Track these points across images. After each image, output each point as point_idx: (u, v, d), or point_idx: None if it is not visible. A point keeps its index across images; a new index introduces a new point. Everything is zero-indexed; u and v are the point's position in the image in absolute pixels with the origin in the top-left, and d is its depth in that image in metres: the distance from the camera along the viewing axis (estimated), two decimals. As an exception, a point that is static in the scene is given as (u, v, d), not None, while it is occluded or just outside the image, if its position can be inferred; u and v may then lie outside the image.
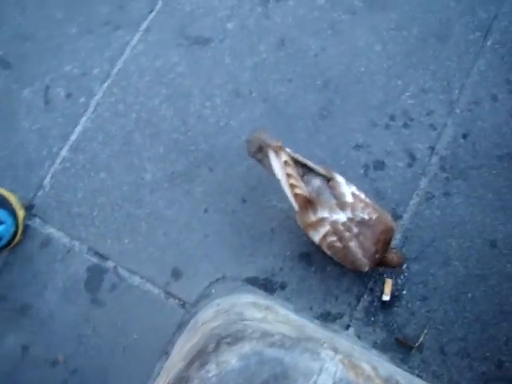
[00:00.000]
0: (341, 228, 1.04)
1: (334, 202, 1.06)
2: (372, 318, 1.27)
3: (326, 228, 1.05)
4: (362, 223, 1.05)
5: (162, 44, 1.45)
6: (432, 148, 1.38)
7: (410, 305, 1.27)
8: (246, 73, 1.34)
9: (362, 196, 1.10)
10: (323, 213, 1.05)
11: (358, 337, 1.26)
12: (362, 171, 1.35)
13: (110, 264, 1.26)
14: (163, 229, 1.30)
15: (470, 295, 1.29)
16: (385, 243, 1.07)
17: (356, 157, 1.38)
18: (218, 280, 1.29)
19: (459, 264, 1.32)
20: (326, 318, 1.28)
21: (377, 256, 1.06)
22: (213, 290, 1.28)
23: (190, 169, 1.35)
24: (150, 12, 1.48)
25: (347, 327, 1.27)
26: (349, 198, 1.06)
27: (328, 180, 1.07)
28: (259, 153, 1.11)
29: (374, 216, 1.06)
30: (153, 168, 1.27)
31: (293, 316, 1.09)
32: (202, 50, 1.46)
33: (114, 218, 1.25)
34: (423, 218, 1.34)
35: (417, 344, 1.24)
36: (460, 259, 1.31)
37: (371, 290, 1.29)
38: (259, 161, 1.11)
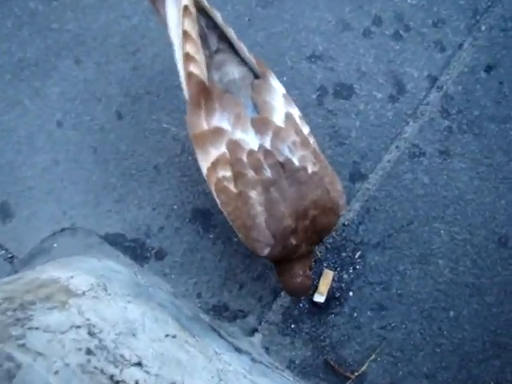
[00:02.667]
0: (244, 159, 0.86)
1: (249, 112, 0.88)
2: (293, 325, 1.15)
3: (221, 149, 0.87)
4: (284, 169, 0.87)
5: None
6: (434, 78, 1.25)
7: (356, 314, 1.16)
8: None
9: (305, 130, 0.92)
10: (222, 120, 0.87)
11: (267, 349, 1.16)
12: (314, 96, 1.20)
13: None
14: (-6, 142, 1.19)
15: (452, 313, 1.18)
16: (315, 226, 0.90)
17: (309, 72, 1.24)
18: (64, 230, 1.19)
19: (445, 264, 1.20)
20: (220, 313, 1.17)
21: (291, 241, 0.89)
22: (55, 245, 1.18)
23: (47, 57, 1.23)
24: None
25: (252, 332, 1.17)
26: (277, 118, 0.88)
27: (255, 77, 0.91)
28: None
29: (312, 169, 0.89)
30: (-9, 49, 1.21)
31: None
32: None
33: None
34: (400, 185, 1.22)
35: (356, 374, 1.14)
36: (448, 257, 1.20)
37: None
38: (157, 10, 0.94)
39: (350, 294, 1.16)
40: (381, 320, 1.15)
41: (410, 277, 1.18)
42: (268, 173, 0.86)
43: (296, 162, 0.88)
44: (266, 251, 0.89)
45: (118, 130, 1.18)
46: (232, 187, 0.88)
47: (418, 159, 1.21)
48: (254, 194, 0.87)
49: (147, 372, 0.77)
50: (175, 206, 1.17)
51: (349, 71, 1.20)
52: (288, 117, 0.90)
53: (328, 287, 1.13)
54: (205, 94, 0.88)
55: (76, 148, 1.18)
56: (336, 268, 1.19)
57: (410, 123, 1.21)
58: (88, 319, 0.75)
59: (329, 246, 1.17)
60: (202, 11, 0.92)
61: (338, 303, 1.16)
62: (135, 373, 0.75)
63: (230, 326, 1.15)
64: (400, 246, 1.19)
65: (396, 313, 1.16)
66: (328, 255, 1.17)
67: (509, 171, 1.21)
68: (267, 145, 0.87)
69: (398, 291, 1.18)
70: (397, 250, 1.19)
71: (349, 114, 1.19)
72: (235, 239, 1.16)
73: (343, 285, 1.16)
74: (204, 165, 0.92)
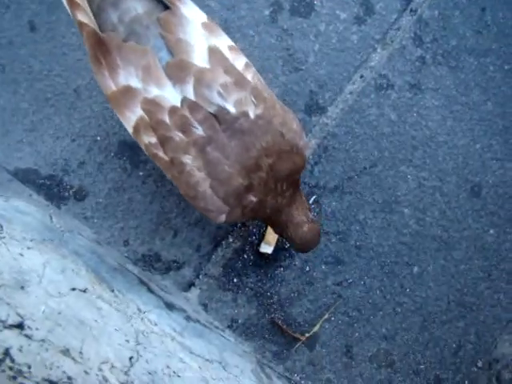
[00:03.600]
0: (166, 120, 0.69)
1: (163, 57, 0.69)
2: (235, 280, 1.01)
3: (137, 112, 0.70)
4: (219, 121, 0.70)
5: None
6: (407, 0, 1.03)
7: (308, 268, 1.02)
8: None
9: (239, 63, 0.73)
10: (128, 77, 0.69)
11: (205, 306, 1.00)
12: (267, 12, 1.03)
13: None
14: None
15: (416, 269, 1.04)
16: (276, 175, 0.74)
17: (263, -16, 1.03)
18: (-36, 165, 0.99)
19: (411, 213, 1.04)
20: (150, 264, 1.01)
21: (251, 199, 0.74)
22: (-46, 182, 0.98)
23: None
24: None
25: (188, 286, 1.01)
26: (198, 58, 0.70)
27: (165, 8, 0.71)
28: None
29: (254, 112, 0.71)
30: None
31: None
32: None
33: None
34: (363, 121, 1.05)
35: (307, 335, 1.01)
36: (414, 206, 1.04)
37: (243, 230, 1.01)
38: None
39: (303, 244, 0.96)
40: (336, 275, 1.02)
41: (371, 227, 1.03)
42: (199, 130, 0.70)
43: (232, 108, 0.70)
44: (223, 218, 0.75)
45: (30, 45, 0.98)
46: (162, 154, 0.72)
47: (385, 92, 1.04)
48: (188, 160, 0.71)
49: (28, 336, 0.57)
50: (98, 138, 0.99)
51: (309, -16, 0.98)
52: (213, 52, 0.71)
53: (277, 236, 0.99)
54: (101, 48, 0.69)
55: (-21, 64, 0.97)
56: (287, 215, 0.98)
57: (378, 50, 1.05)
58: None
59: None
60: None
61: (287, 255, 1.01)
62: (9, 338, 0.54)
63: (163, 279, 0.99)
64: (361, 192, 1.03)
65: (354, 267, 1.03)
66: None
67: (486, 112, 1.06)
68: (191, 95, 0.69)
69: (357, 243, 1.03)
70: (357, 196, 1.03)
71: (307, 35, 1.01)
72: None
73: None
74: (128, 129, 0.74)
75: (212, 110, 0.69)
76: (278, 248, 1.00)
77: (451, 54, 1.06)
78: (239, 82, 0.71)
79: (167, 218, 0.98)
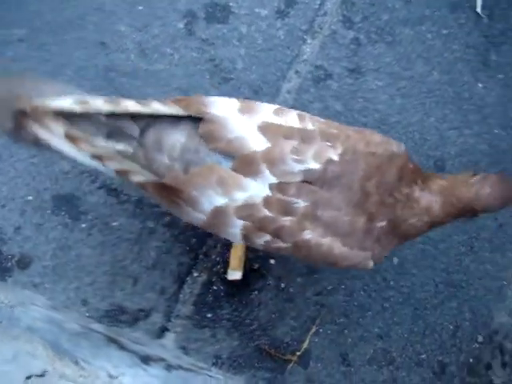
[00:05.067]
0: (267, 213, 0.69)
1: (227, 165, 0.69)
2: (209, 315, 0.96)
3: (238, 224, 0.70)
4: (312, 183, 0.69)
5: None
6: None
7: (283, 284, 0.98)
8: None
9: (292, 120, 0.72)
10: (212, 200, 0.69)
11: (184, 349, 0.94)
12: (181, 25, 1.01)
13: None
14: None
15: (395, 259, 1.00)
16: (389, 181, 0.71)
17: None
18: None
19: None
20: (116, 318, 0.93)
21: (378, 227, 0.72)
22: None
23: None
24: None
25: (161, 333, 0.94)
26: (255, 143, 0.69)
27: (199, 119, 0.71)
28: (22, 128, 0.69)
29: (335, 152, 0.70)
30: None
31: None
32: None
33: None
34: None
35: (298, 353, 0.97)
36: None
37: (206, 261, 0.96)
38: (35, 144, 0.71)
39: (272, 261, 0.98)
40: (315, 285, 0.98)
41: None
42: (301, 203, 0.69)
43: (315, 164, 0.69)
44: (371, 263, 0.74)
45: None
46: (283, 244, 0.71)
47: (324, 83, 1.01)
48: (308, 235, 0.70)
49: None
50: (30, 197, 0.94)
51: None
52: (264, 129, 0.69)
53: (242, 259, 0.95)
54: (172, 192, 0.69)
55: None
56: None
57: (308, 41, 1.02)
58: None
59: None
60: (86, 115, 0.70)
61: (259, 276, 0.97)
62: None
63: (133, 332, 0.93)
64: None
65: (331, 272, 0.99)
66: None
67: (433, 82, 1.03)
68: (273, 180, 0.68)
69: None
70: (319, 198, 0.93)
71: (229, 41, 0.99)
72: (114, 223, 0.88)
73: (261, 252, 0.97)
74: (236, 241, 0.78)
75: (299, 178, 0.69)
76: (247, 271, 0.96)
77: (385, 29, 1.02)
78: (304, 137, 0.70)
79: (123, 267, 0.93)
